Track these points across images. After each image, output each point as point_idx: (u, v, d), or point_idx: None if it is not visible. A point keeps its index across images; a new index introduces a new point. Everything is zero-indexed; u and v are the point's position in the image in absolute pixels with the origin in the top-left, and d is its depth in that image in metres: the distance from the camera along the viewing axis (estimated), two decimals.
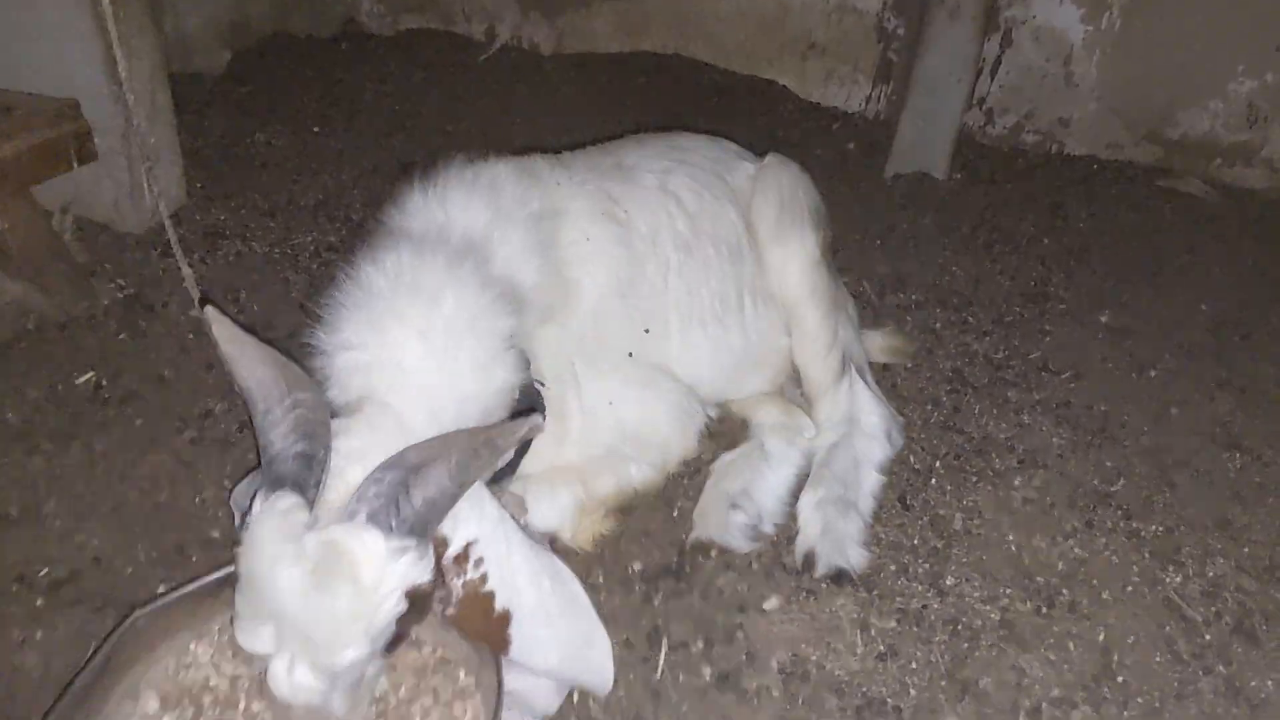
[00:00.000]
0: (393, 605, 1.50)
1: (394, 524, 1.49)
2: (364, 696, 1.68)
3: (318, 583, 1.47)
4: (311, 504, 1.53)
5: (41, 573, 2.13)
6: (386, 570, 1.48)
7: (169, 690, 1.93)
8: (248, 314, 2.94)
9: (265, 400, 1.57)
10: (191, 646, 1.99)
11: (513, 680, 1.88)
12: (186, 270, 2.50)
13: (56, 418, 2.49)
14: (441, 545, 1.61)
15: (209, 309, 1.62)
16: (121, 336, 2.77)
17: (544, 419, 2.10)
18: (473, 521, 1.64)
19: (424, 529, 1.51)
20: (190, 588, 1.94)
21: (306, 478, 1.54)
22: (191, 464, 2.41)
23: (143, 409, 2.55)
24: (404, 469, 1.51)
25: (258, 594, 1.51)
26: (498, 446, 1.49)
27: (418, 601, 1.56)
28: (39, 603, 2.08)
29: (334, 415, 1.67)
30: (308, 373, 1.69)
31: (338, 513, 1.53)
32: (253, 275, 3.13)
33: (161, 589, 2.11)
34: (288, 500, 1.51)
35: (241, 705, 1.93)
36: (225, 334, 1.59)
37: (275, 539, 1.49)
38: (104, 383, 2.61)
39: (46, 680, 1.95)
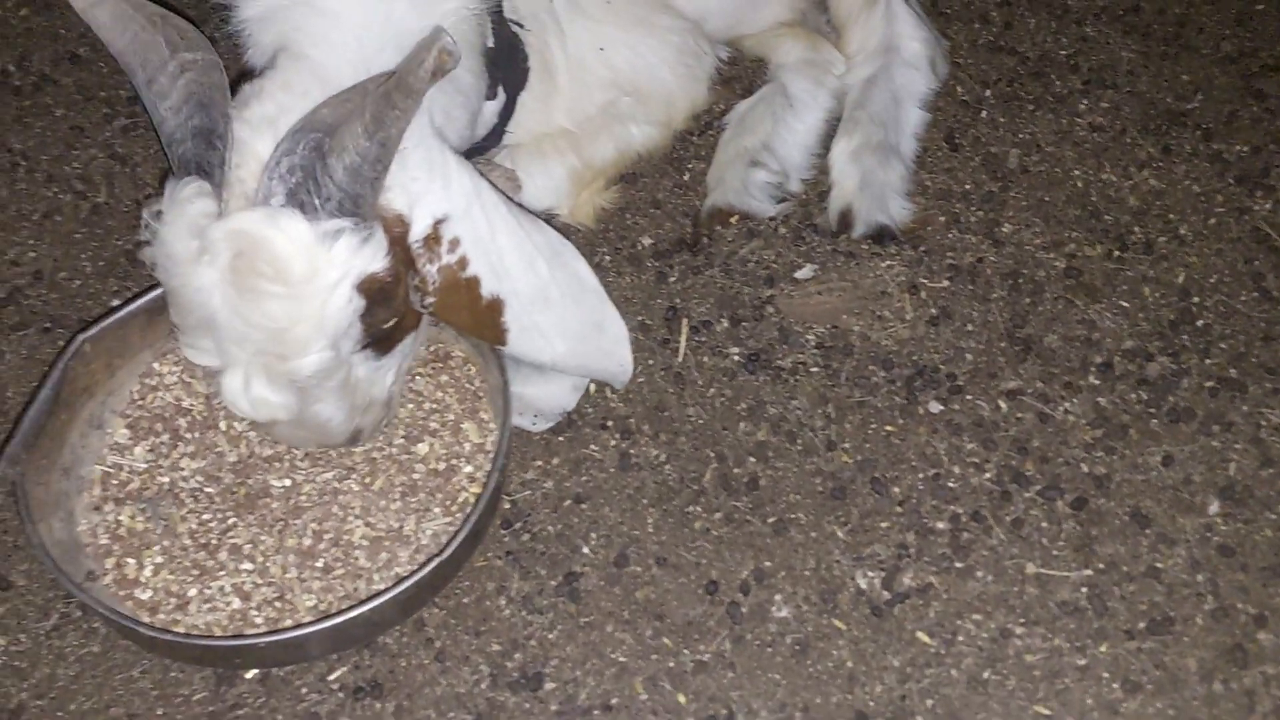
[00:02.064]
0: (342, 301, 1.29)
1: (317, 202, 1.25)
2: (366, 401, 1.49)
3: (239, 283, 1.25)
4: (219, 188, 1.28)
5: None
6: (319, 260, 1.25)
7: (138, 416, 1.74)
8: None
9: (146, 68, 1.27)
10: (155, 366, 1.79)
11: (521, 384, 1.71)
12: None
13: None
14: (398, 225, 1.35)
15: None
16: (23, 12, 2.35)
17: (529, 68, 1.81)
18: (437, 194, 1.38)
19: (356, 205, 1.26)
20: (141, 301, 1.71)
21: (210, 157, 1.27)
22: (127, 156, 2.11)
23: (61, 96, 2.20)
24: (319, 132, 1.24)
25: (182, 302, 1.31)
26: (410, 86, 1.19)
27: (378, 295, 1.33)
28: None
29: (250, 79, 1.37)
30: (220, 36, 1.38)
31: (249, 196, 1.28)
32: None
33: (115, 303, 1.88)
34: (191, 187, 1.27)
35: (223, 425, 1.75)
36: None
37: (180, 235, 1.27)
38: (10, 69, 2.24)
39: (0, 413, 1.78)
